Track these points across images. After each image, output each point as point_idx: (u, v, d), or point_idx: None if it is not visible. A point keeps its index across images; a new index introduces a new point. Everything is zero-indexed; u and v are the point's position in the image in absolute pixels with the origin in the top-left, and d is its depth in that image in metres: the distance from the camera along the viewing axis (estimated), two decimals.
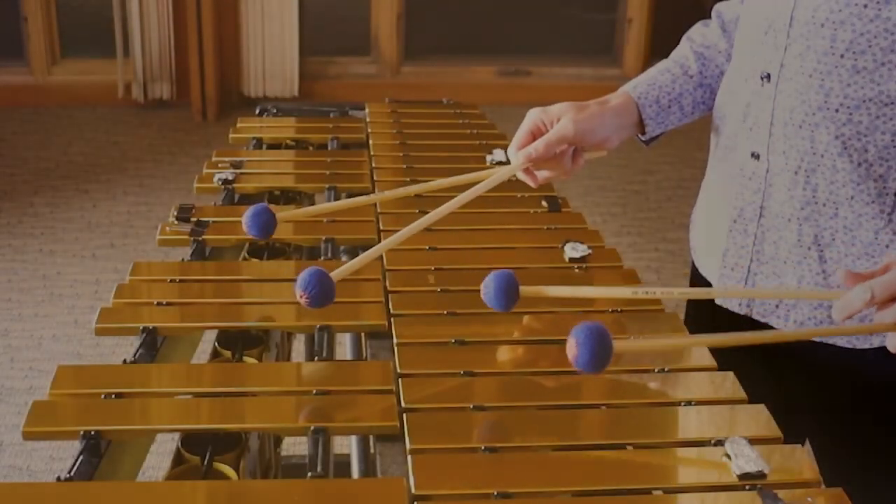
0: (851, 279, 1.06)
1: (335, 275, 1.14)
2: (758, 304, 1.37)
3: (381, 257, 1.43)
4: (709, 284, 1.46)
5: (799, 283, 1.31)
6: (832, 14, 1.21)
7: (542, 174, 1.40)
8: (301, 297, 1.11)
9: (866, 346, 1.29)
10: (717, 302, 1.41)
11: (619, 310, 1.30)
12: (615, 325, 1.27)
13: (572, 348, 0.98)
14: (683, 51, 1.49)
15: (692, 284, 1.54)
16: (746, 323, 1.38)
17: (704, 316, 1.44)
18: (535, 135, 1.37)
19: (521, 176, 1.39)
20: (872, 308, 1.04)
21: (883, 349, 1.30)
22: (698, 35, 1.49)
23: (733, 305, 1.40)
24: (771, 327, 1.36)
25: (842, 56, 1.21)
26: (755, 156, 1.32)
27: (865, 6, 1.18)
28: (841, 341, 1.30)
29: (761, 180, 1.32)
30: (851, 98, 1.21)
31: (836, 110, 1.23)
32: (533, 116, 1.38)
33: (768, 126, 1.30)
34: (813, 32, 1.23)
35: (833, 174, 1.25)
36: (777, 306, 1.35)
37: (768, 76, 1.29)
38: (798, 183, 1.28)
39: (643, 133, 1.44)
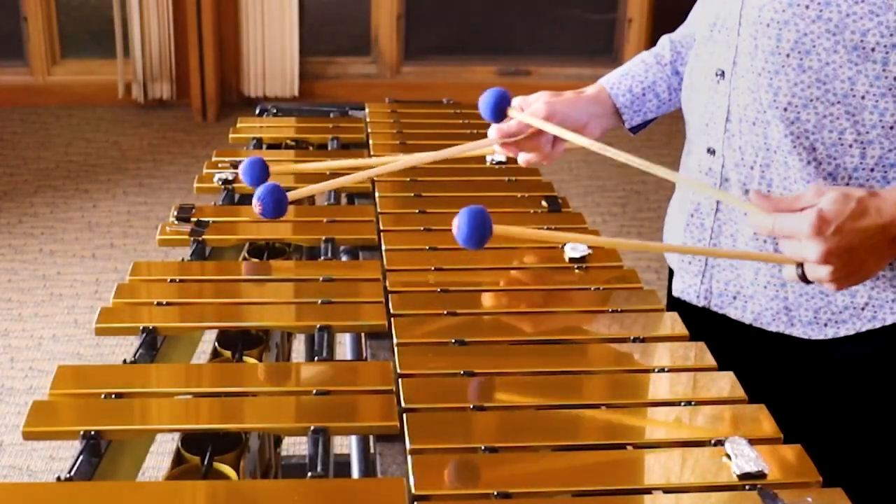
0: (760, 199, 1.17)
1: (292, 195, 1.33)
2: (715, 297, 1.40)
3: (381, 257, 1.44)
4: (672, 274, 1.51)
5: (756, 275, 1.34)
6: (776, 14, 1.23)
7: (525, 156, 1.48)
8: (256, 206, 1.28)
9: (820, 336, 1.32)
10: (675, 294, 1.46)
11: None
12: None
13: (454, 227, 1.14)
14: (662, 42, 1.55)
15: (669, 276, 1.56)
16: (703, 315, 1.41)
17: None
18: None
19: (499, 149, 1.49)
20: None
21: (875, 349, 1.30)
22: (682, 28, 1.55)
23: (692, 298, 1.43)
24: (729, 319, 1.39)
25: (787, 56, 1.23)
26: (711, 151, 1.36)
27: (807, 6, 1.20)
28: (797, 332, 1.33)
29: (717, 175, 1.36)
30: (799, 97, 1.23)
31: (785, 109, 1.25)
32: (513, 102, 1.46)
33: (724, 122, 1.33)
34: (760, 32, 1.25)
35: (785, 170, 1.28)
36: (735, 297, 1.38)
37: (722, 73, 1.32)
38: (754, 178, 1.30)
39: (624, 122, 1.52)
